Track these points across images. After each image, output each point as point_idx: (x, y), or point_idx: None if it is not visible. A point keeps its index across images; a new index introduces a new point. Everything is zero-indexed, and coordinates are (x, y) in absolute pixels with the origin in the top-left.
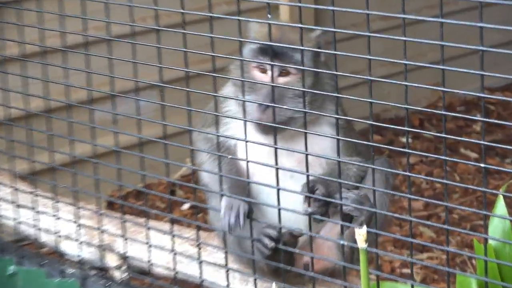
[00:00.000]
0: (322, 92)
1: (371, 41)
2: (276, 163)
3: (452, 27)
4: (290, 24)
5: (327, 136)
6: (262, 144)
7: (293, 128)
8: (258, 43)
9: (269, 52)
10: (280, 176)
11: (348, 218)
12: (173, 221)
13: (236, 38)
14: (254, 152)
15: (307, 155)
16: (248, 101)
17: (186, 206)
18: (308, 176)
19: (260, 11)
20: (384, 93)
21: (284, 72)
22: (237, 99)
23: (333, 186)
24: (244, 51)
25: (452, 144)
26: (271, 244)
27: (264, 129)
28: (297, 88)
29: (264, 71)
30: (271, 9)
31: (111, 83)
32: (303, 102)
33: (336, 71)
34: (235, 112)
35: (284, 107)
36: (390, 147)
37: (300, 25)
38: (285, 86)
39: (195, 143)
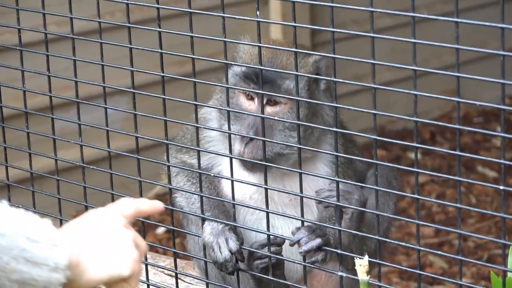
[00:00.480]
0: (315, 126)
1: (376, 41)
2: (267, 203)
3: (469, 26)
4: (284, 48)
5: (323, 177)
6: (249, 184)
7: (281, 167)
8: (245, 66)
9: (257, 77)
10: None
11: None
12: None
13: (219, 38)
14: (240, 185)
15: (301, 197)
16: (229, 132)
17: (161, 229)
18: (302, 221)
19: (249, 5)
20: (390, 102)
21: (272, 102)
22: (216, 130)
23: (328, 234)
24: (230, 72)
25: (468, 161)
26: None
27: (246, 165)
28: (285, 120)
29: (250, 98)
30: (260, 4)
31: (75, 87)
32: (298, 136)
33: (336, 99)
34: (217, 137)
35: (271, 140)
36: (396, 165)
37: (295, 50)
38: (273, 118)
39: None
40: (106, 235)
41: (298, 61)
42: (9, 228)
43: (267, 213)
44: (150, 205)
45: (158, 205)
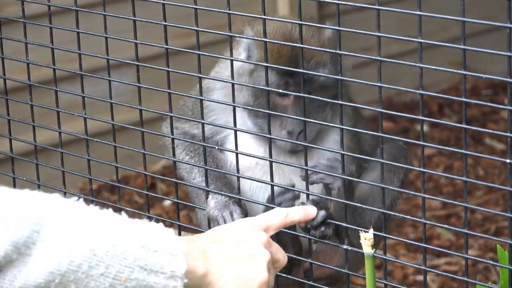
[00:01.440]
0: (326, 100)
1: (384, 13)
2: (271, 175)
3: None
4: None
5: (328, 150)
6: (257, 157)
7: (320, 147)
8: (278, 68)
9: (292, 74)
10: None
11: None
12: (151, 220)
13: (223, 11)
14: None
15: (306, 170)
16: (277, 139)
17: (168, 201)
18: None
19: None
20: (399, 73)
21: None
22: (256, 133)
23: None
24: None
25: (476, 133)
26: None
27: (293, 150)
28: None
29: (284, 93)
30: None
31: (79, 60)
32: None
33: (341, 72)
34: (219, 106)
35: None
36: (401, 139)
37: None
38: (317, 122)
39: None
40: (241, 253)
41: (313, 38)
42: (121, 237)
43: (272, 185)
44: (303, 214)
45: (310, 212)
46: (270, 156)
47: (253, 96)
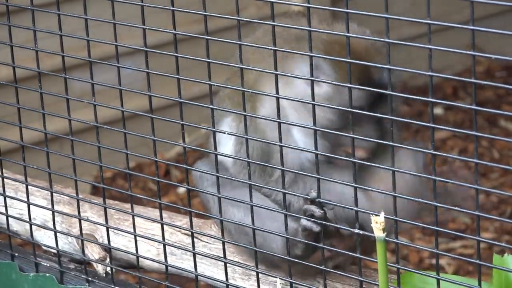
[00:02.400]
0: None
1: None
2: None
3: None
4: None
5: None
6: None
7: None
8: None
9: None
10: None
11: None
12: (164, 207)
13: None
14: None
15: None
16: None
17: (183, 188)
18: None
19: None
20: (412, 56)
21: None
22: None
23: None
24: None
25: (491, 116)
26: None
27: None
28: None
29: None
30: None
31: (87, 47)
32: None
33: (349, 55)
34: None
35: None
36: (413, 121)
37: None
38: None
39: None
40: None
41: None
42: None
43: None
44: None
45: None
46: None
47: (338, 116)
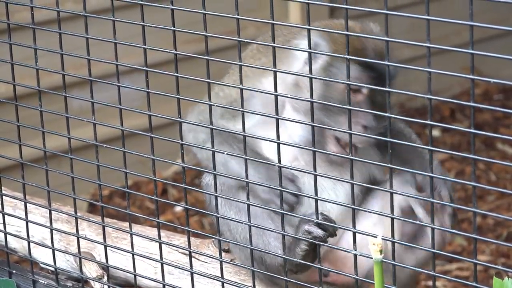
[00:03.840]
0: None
1: (395, 18)
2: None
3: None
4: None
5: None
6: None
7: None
8: (367, 61)
9: (374, 68)
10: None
11: None
12: (161, 226)
13: (233, 16)
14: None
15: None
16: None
17: (180, 207)
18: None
19: None
20: (410, 79)
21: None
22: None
23: None
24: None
25: (488, 139)
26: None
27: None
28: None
29: (358, 89)
30: None
31: (88, 65)
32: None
33: (349, 77)
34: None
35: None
36: (412, 144)
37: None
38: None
39: (186, 134)
40: None
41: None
42: None
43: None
44: None
45: None
46: (315, 169)
47: (326, 93)
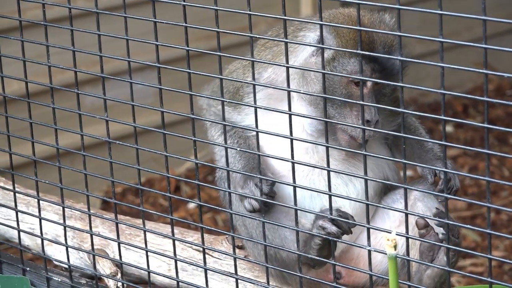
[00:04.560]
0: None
1: (407, 14)
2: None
3: None
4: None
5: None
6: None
7: (382, 157)
8: (369, 54)
9: (374, 60)
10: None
11: None
12: (174, 223)
13: (244, 11)
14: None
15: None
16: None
17: (193, 204)
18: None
19: None
20: (422, 74)
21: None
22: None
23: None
24: (341, 58)
25: (501, 134)
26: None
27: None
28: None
29: (359, 82)
30: None
31: (100, 62)
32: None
33: (361, 72)
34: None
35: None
36: (426, 139)
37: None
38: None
39: (200, 110)
40: None
41: (380, 24)
42: None
43: (328, 172)
44: None
45: None
46: (326, 141)
47: (330, 86)
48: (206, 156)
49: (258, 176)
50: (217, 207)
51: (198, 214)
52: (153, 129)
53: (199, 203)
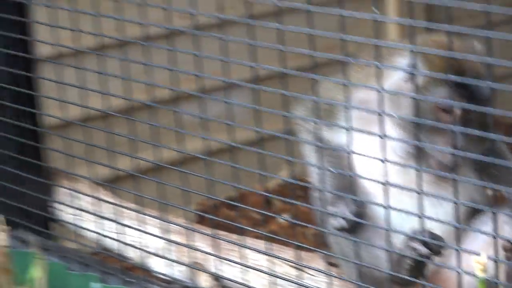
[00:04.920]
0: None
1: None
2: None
3: None
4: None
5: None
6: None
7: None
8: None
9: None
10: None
11: None
12: (267, 238)
13: (336, 34)
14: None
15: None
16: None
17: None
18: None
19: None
20: (506, 96)
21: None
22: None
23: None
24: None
25: None
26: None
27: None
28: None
29: (449, 110)
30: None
31: (198, 80)
32: None
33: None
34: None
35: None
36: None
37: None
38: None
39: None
40: None
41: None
42: None
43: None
44: None
45: None
46: (420, 187)
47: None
48: (294, 172)
49: (349, 195)
50: (308, 225)
51: (290, 229)
52: (247, 148)
53: (291, 220)
